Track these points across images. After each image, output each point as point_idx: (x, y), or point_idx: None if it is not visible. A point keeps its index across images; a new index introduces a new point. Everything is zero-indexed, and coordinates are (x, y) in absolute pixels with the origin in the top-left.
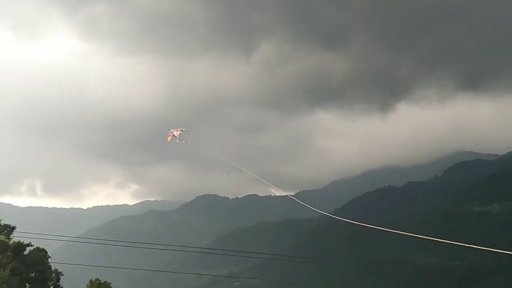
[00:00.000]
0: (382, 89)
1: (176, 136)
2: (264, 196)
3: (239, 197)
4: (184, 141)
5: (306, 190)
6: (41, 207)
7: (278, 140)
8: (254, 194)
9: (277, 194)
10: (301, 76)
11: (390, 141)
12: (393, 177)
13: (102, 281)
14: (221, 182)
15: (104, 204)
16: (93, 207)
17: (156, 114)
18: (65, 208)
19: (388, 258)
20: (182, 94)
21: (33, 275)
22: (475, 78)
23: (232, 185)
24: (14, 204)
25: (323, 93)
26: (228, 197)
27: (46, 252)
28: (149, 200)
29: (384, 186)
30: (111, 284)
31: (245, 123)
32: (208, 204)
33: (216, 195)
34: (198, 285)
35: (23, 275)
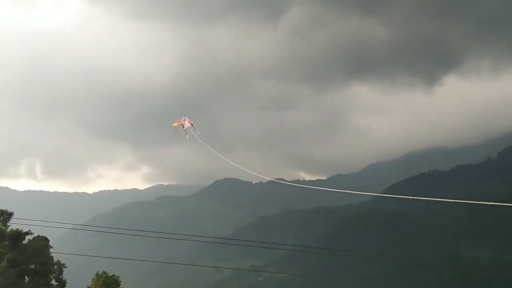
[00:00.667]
0: (427, 59)
1: (183, 127)
2: (292, 181)
3: (264, 182)
4: (188, 136)
5: (340, 174)
6: (41, 191)
7: (309, 118)
8: (281, 178)
9: (307, 178)
10: (335, 44)
11: (436, 119)
12: (440, 160)
13: (110, 275)
14: (244, 165)
15: (111, 189)
16: (100, 191)
17: (171, 87)
18: (68, 193)
19: (434, 251)
20: (199, 65)
21: (33, 267)
22: None
23: (256, 168)
24: (12, 188)
25: (360, 64)
26: (251, 182)
27: (48, 241)
28: (162, 184)
29: (429, 170)
30: (120, 278)
31: (271, 98)
32: (228, 190)
33: (237, 179)
34: (217, 279)
35: (22, 266)
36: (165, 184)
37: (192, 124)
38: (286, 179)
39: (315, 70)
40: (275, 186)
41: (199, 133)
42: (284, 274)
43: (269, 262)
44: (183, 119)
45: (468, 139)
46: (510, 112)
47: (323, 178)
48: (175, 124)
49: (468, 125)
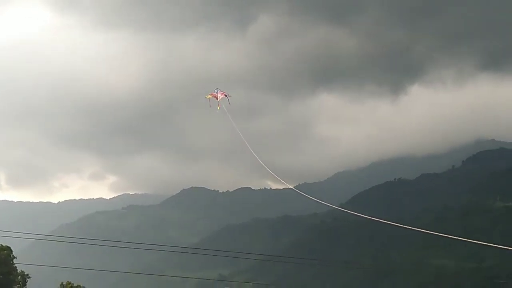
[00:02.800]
0: (394, 69)
1: (217, 99)
2: (259, 190)
3: (231, 191)
4: (218, 108)
5: (307, 182)
6: (5, 200)
7: (276, 126)
8: (248, 187)
9: (274, 187)
10: (303, 53)
11: (402, 128)
12: (405, 168)
13: (75, 285)
14: (210, 174)
15: (77, 198)
16: (65, 201)
17: (140, 96)
18: (33, 202)
19: (402, 260)
20: (168, 74)
21: None
22: (497, 57)
23: (222, 177)
24: None
25: (328, 74)
26: (217, 191)
27: (11, 252)
28: (128, 194)
29: (395, 179)
30: None
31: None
32: (195, 198)
33: (204, 188)
34: None
35: None
36: (131, 193)
37: (226, 95)
38: (253, 188)
39: (283, 79)
40: (242, 195)
41: (229, 105)
42: (251, 283)
43: (236, 271)
44: (216, 91)
45: (433, 148)
46: (474, 121)
47: (289, 186)
48: (209, 96)
49: (433, 134)
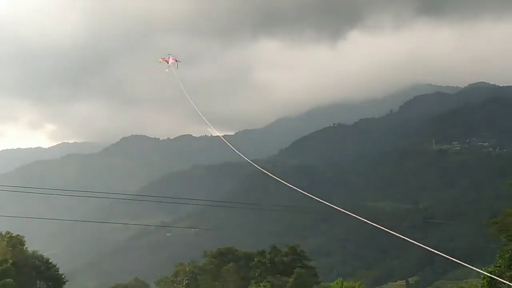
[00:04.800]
0: (332, 14)
1: (167, 63)
2: (200, 137)
3: (171, 138)
4: (167, 70)
5: (247, 129)
6: None
7: (216, 73)
8: (188, 135)
9: (214, 134)
10: None
11: (340, 74)
12: (344, 113)
13: (14, 235)
14: (150, 122)
15: (14, 147)
16: (1, 150)
17: (78, 44)
18: None
19: (339, 203)
20: (104, 20)
21: None
22: (434, 1)
23: (163, 125)
24: None
25: (267, 19)
26: (158, 138)
27: None
28: (67, 143)
29: (334, 124)
30: (25, 238)
31: (178, 53)
32: (135, 146)
33: (144, 136)
34: (126, 237)
35: None
36: (70, 142)
37: (176, 61)
38: (194, 135)
39: (223, 25)
40: (183, 142)
41: (177, 68)
42: (193, 230)
43: (178, 218)
44: (168, 56)
45: (371, 93)
46: (411, 65)
47: (230, 133)
48: (160, 60)
49: (371, 79)
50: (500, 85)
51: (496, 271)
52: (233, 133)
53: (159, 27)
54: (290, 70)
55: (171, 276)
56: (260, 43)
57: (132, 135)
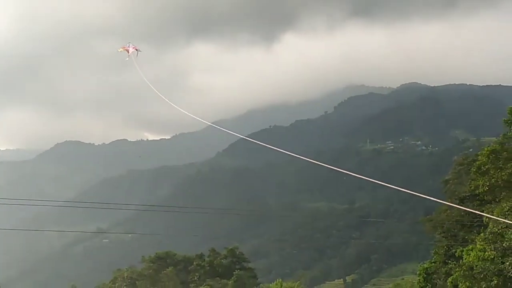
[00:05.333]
0: (266, 17)
1: (128, 53)
2: (135, 141)
3: (106, 143)
4: (127, 58)
5: (183, 133)
6: None
7: (151, 77)
8: (124, 139)
9: (151, 138)
10: (177, 2)
11: (275, 76)
12: (280, 115)
13: None
14: (84, 127)
15: None
16: None
17: (8, 48)
18: None
19: (277, 204)
20: (36, 24)
21: None
22: (366, 3)
23: (97, 130)
24: None
25: (202, 23)
26: (93, 143)
27: None
28: None
29: (270, 126)
30: None
31: (111, 58)
32: (70, 152)
33: (79, 141)
34: (61, 244)
35: None
36: (2, 149)
37: (137, 50)
38: (129, 139)
39: (157, 29)
40: (118, 147)
41: (137, 57)
42: (131, 235)
43: (115, 224)
44: (128, 45)
45: (306, 95)
46: (344, 67)
47: (167, 137)
48: (121, 49)
49: (305, 81)
50: (431, 85)
51: (432, 267)
52: (169, 137)
53: (92, 31)
54: (226, 73)
55: (109, 282)
56: (195, 47)
57: (66, 140)
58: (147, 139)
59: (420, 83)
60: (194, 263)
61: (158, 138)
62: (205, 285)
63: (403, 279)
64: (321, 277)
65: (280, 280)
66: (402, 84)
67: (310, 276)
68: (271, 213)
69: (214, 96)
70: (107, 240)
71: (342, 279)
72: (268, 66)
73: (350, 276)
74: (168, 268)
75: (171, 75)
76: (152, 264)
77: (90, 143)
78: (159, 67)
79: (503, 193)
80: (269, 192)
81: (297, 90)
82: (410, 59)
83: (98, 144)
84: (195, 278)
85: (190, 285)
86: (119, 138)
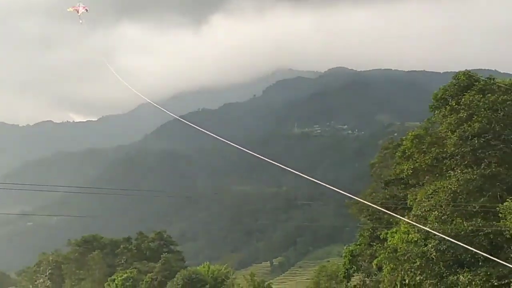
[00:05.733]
0: None
1: (77, 12)
2: (61, 123)
3: (31, 125)
4: (81, 21)
5: (111, 115)
6: None
7: (77, 57)
8: (49, 121)
9: (77, 120)
10: None
11: (204, 59)
12: (208, 98)
13: None
14: (7, 108)
15: None
16: None
17: None
18: None
19: (205, 187)
20: None
21: None
22: None
23: (21, 111)
24: None
25: (131, 3)
26: (17, 125)
27: None
28: None
29: (199, 109)
30: None
31: (37, 37)
32: None
33: (3, 122)
34: None
35: None
36: None
37: (87, 10)
38: (55, 121)
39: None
40: (44, 129)
41: (81, 22)
42: (56, 218)
43: (40, 207)
44: (78, 5)
45: (235, 78)
46: (273, 51)
47: (93, 119)
48: (70, 9)
49: (234, 64)
50: (357, 70)
51: (357, 250)
52: (96, 119)
53: (16, 10)
54: (154, 55)
55: (34, 266)
56: (123, 28)
57: None
58: (73, 121)
59: (347, 68)
60: (121, 246)
61: (85, 120)
62: (132, 268)
63: (328, 261)
64: (248, 259)
65: (208, 263)
66: (330, 69)
67: (238, 259)
68: (199, 197)
69: (142, 78)
70: (31, 223)
71: (269, 262)
72: (196, 48)
73: (277, 258)
74: (94, 251)
75: (98, 55)
76: (78, 248)
77: (14, 125)
78: (88, 47)
79: (426, 177)
80: (198, 175)
81: (226, 73)
82: (337, 44)
83: (23, 126)
84: (122, 261)
85: (117, 268)
86: (44, 120)
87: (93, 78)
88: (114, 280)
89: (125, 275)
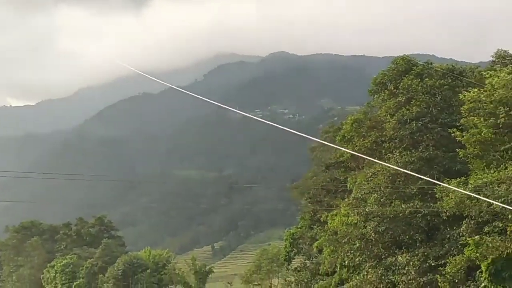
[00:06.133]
0: None
1: None
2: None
3: None
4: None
5: (51, 99)
6: None
7: (14, 40)
8: None
9: (14, 104)
10: None
11: (146, 42)
12: (150, 82)
13: None
14: None
15: None
16: None
17: None
18: None
19: (147, 172)
20: None
21: None
22: None
23: None
24: None
25: None
26: None
27: None
28: None
29: (140, 93)
30: None
31: None
32: None
33: None
34: None
35: None
36: None
37: None
38: None
39: None
40: None
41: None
42: None
43: None
44: None
45: (177, 62)
46: (215, 35)
47: (31, 104)
48: None
49: (176, 48)
50: (299, 55)
51: (298, 233)
52: (34, 104)
53: None
54: (95, 38)
55: None
56: (63, 10)
57: None
58: (10, 105)
59: (288, 52)
60: (61, 232)
61: (22, 105)
62: (72, 254)
63: (269, 244)
64: (189, 244)
65: (149, 248)
66: (272, 53)
67: (179, 244)
68: (141, 182)
69: (82, 61)
70: None
71: (210, 246)
72: (138, 32)
73: (219, 243)
74: (33, 237)
75: (38, 39)
76: (16, 234)
77: None
78: (25, 30)
79: (366, 160)
80: (139, 160)
81: (167, 57)
82: (279, 28)
83: None
84: (62, 247)
85: (57, 254)
86: None
87: (33, 62)
88: (53, 266)
89: (65, 261)
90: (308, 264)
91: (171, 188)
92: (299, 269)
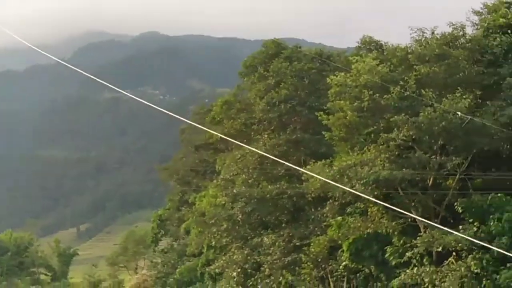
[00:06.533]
0: None
1: None
2: None
3: None
4: None
5: None
6: None
7: None
8: None
9: None
10: None
11: (10, 17)
12: (14, 59)
13: None
14: None
15: None
16: None
17: None
18: None
19: (6, 153)
20: None
21: None
22: None
23: None
24: None
25: None
26: None
27: None
28: None
29: (3, 71)
30: None
31: None
32: None
33: None
34: None
35: None
36: None
37: None
38: None
39: None
40: None
41: None
42: None
43: None
44: None
45: (43, 38)
46: (86, 12)
47: None
48: None
49: (42, 24)
50: (170, 35)
51: (166, 214)
52: None
53: None
54: None
55: None
56: None
57: None
58: None
59: (159, 33)
60: None
61: None
62: None
63: (137, 226)
64: (54, 226)
65: (10, 230)
66: (142, 33)
67: (42, 225)
68: (1, 163)
69: None
70: None
71: (75, 228)
72: (3, 6)
73: (84, 224)
74: None
75: None
76: None
77: None
78: None
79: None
80: (4, 142)
81: (33, 33)
82: (152, 8)
83: None
84: None
85: None
86: None
87: None
88: None
89: None
90: (175, 246)
91: (34, 169)
92: (166, 250)
